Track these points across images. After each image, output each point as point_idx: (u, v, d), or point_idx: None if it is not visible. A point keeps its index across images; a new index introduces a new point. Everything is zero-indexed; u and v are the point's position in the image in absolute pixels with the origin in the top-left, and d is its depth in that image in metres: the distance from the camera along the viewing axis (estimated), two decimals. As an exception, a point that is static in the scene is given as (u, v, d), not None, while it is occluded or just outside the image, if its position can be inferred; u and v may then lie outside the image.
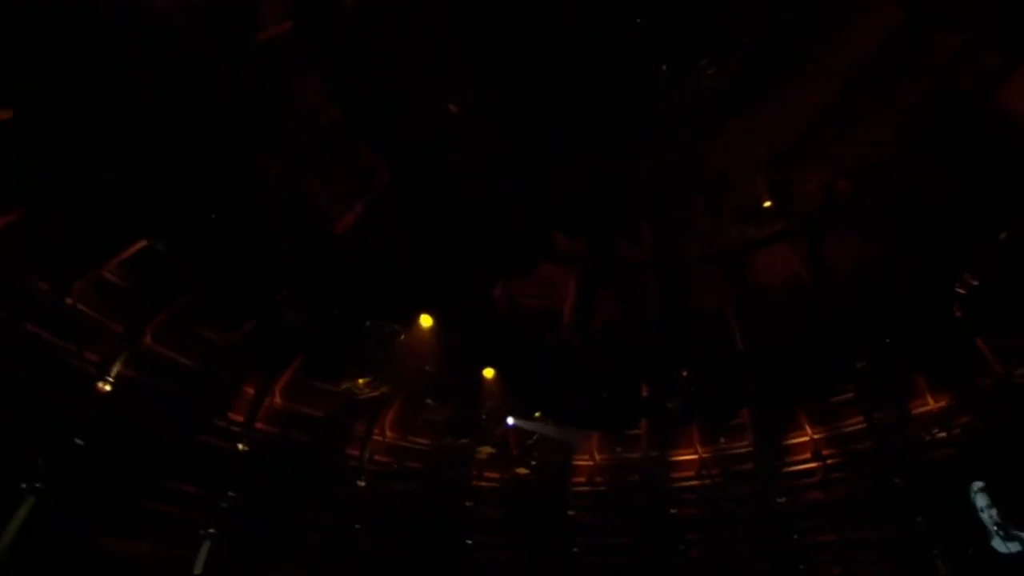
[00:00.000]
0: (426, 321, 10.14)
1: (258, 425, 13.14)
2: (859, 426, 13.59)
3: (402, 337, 10.17)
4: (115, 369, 10.20)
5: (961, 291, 11.16)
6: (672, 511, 13.30)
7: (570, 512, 13.39)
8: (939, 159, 10.60)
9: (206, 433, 11.89)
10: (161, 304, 11.30)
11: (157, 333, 11.29)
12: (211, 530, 9.78)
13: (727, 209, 13.36)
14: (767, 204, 12.23)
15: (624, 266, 14.71)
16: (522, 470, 12.58)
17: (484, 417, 11.27)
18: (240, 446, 10.51)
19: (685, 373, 13.98)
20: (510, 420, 11.53)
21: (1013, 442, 10.45)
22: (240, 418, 12.71)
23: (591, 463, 15.37)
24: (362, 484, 12.04)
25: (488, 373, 10.58)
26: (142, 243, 10.48)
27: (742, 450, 14.92)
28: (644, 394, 14.92)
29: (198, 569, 9.13)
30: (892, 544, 11.20)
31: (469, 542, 12.30)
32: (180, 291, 11.35)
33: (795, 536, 12.00)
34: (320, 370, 12.09)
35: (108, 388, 9.91)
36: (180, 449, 11.10)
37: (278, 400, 13.49)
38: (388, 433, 15.00)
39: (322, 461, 13.38)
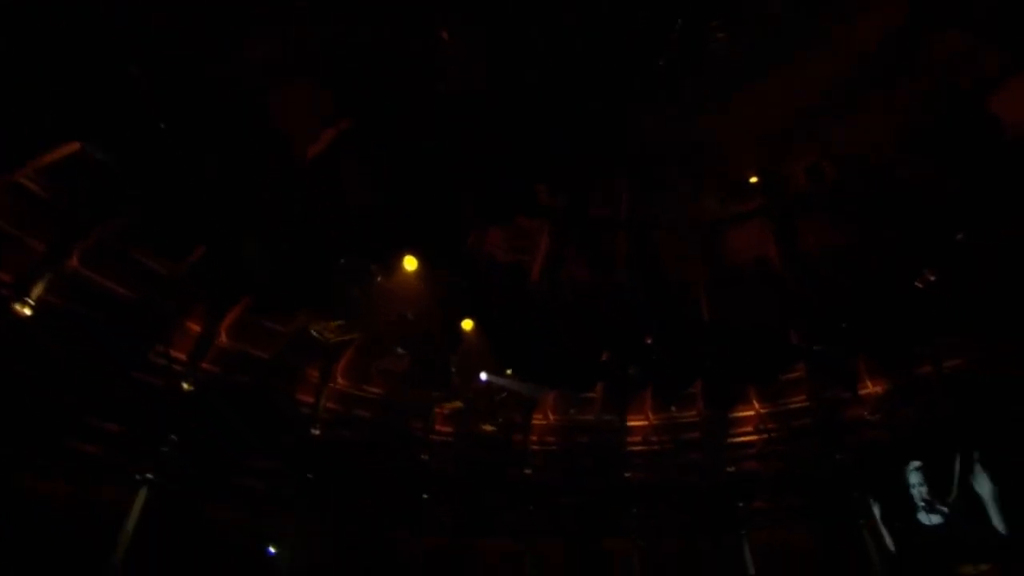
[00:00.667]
0: (410, 264, 9.50)
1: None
2: (802, 404, 14.54)
3: (379, 279, 9.49)
4: (36, 292, 8.92)
5: (919, 285, 11.79)
6: (626, 475, 13.65)
7: (527, 471, 13.46)
8: (928, 157, 10.92)
9: (142, 370, 10.87)
10: (93, 222, 9.93)
11: (87, 256, 9.96)
12: (148, 475, 8.97)
13: (712, 180, 13.31)
14: (753, 179, 12.23)
15: (598, 225, 14.51)
16: (488, 427, 12.45)
17: (454, 371, 10.93)
18: (184, 385, 9.59)
19: (649, 341, 14.19)
20: (483, 376, 11.28)
21: (942, 428, 11.40)
22: (182, 355, 11.75)
23: (544, 422, 15.55)
24: (316, 432, 11.45)
25: (467, 325, 10.17)
26: (73, 147, 9.06)
27: (691, 419, 15.58)
28: (604, 358, 15.10)
29: (134, 517, 8.39)
30: (824, 514, 12.05)
31: (425, 496, 12.12)
32: (117, 209, 10.02)
33: (740, 504, 12.68)
34: (276, 308, 11.19)
35: (27, 312, 8.66)
36: (111, 386, 10.07)
37: (223, 339, 12.54)
38: (340, 380, 14.46)
39: (268, 405, 12.66)
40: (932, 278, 11.55)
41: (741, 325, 14.18)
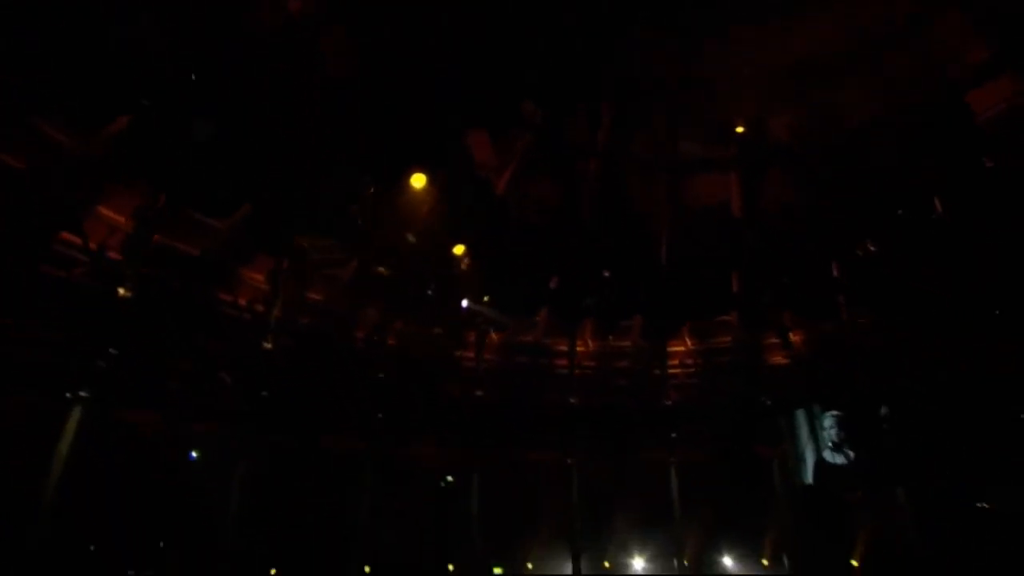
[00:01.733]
0: (418, 181, 8.63)
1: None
2: (726, 344, 15.99)
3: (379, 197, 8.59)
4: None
5: (859, 252, 12.94)
6: (572, 401, 14.48)
7: (478, 392, 13.79)
8: (898, 132, 11.53)
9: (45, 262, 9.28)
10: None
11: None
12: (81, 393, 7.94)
13: (695, 122, 13.22)
14: (740, 129, 12.30)
15: (573, 149, 14.11)
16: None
17: (430, 292, 10.55)
18: (121, 291, 8.30)
19: (607, 274, 14.54)
20: (464, 302, 11.02)
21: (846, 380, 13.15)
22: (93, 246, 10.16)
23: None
24: (268, 346, 10.70)
25: (458, 250, 9.64)
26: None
27: (626, 348, 16.60)
28: (553, 284, 15.37)
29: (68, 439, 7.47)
30: (739, 445, 13.77)
31: (380, 416, 12.11)
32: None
33: (669, 432, 14.09)
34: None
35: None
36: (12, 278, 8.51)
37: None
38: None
39: (198, 307, 11.56)
40: (872, 248, 12.69)
41: (691, 265, 14.91)
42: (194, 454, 12.81)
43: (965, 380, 10.52)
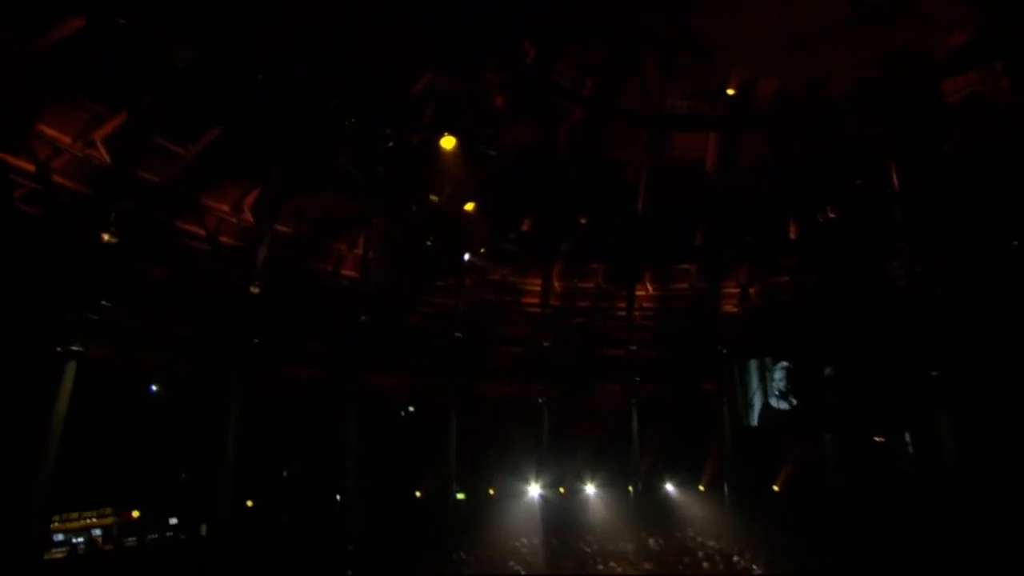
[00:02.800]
0: (448, 143, 8.24)
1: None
2: (685, 292, 17.14)
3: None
4: None
5: (819, 218, 14.00)
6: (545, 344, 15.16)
7: (458, 334, 14.09)
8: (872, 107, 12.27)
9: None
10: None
11: None
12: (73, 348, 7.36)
13: (685, 78, 13.26)
14: (730, 91, 12.52)
15: (558, 93, 13.80)
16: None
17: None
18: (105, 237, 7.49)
19: (583, 221, 14.84)
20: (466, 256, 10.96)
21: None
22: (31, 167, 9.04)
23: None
24: (255, 290, 10.23)
25: (469, 206, 9.42)
26: None
27: (590, 288, 17.36)
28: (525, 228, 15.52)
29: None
30: (693, 388, 15.24)
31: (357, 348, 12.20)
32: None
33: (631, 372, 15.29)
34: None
35: None
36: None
37: (101, 152, 9.78)
38: (247, 215, 12.67)
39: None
40: (832, 216, 13.77)
41: (662, 216, 15.51)
42: (154, 387, 12.59)
43: (895, 347, 12.16)
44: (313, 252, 14.33)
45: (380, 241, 11.75)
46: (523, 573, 10.76)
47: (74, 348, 6.99)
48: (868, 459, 12.68)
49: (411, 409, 17.28)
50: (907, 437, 12.30)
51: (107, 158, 9.81)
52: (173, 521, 12.36)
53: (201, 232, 12.35)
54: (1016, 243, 9.99)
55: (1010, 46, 10.48)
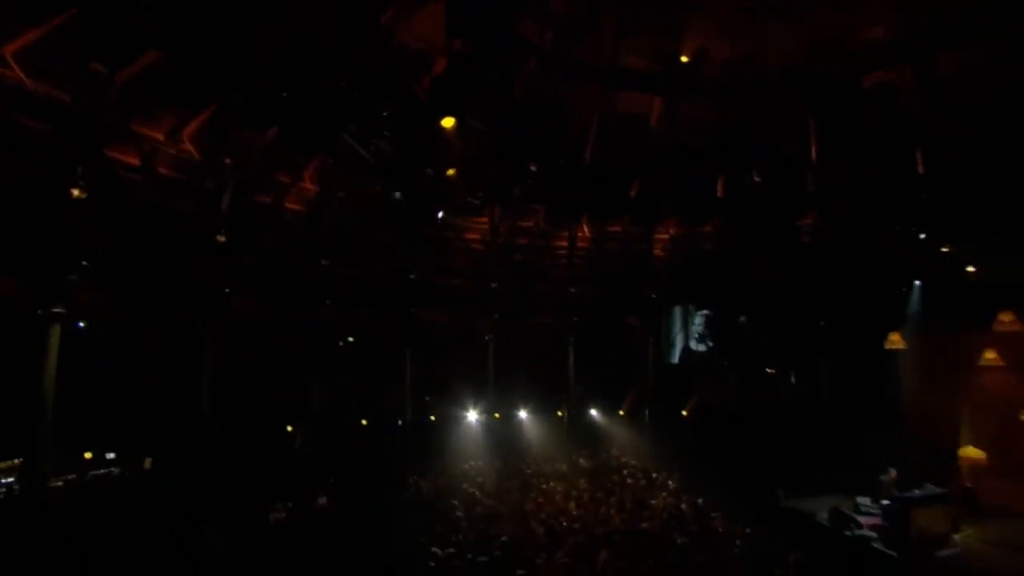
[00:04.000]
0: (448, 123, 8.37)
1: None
2: (618, 235, 18.60)
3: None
4: None
5: (745, 180, 15.68)
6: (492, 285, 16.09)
7: (411, 275, 14.58)
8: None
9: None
10: None
11: None
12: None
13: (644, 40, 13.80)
14: (684, 59, 13.32)
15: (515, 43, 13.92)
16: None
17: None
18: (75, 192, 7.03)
19: (534, 168, 15.45)
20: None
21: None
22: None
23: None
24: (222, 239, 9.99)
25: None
26: None
27: (528, 225, 18.31)
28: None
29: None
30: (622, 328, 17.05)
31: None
32: None
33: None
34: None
35: None
36: None
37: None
38: (187, 145, 11.99)
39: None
40: (756, 180, 15.47)
41: (605, 164, 16.49)
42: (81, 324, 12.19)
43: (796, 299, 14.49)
44: (255, 184, 14.00)
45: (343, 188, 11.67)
46: (478, 494, 12.19)
47: (56, 311, 6.77)
48: (762, 391, 15.36)
49: (351, 339, 17.90)
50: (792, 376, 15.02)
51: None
52: (111, 456, 12.47)
53: (134, 161, 11.66)
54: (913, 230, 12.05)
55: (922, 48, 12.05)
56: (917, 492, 10.54)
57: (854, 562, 9.06)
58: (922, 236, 11.95)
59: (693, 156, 16.55)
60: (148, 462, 12.50)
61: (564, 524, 10.36)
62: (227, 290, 12.17)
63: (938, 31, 11.99)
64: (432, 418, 16.97)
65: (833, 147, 14.52)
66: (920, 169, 11.96)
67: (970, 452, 12.43)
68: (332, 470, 13.05)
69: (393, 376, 15.64)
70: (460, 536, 9.58)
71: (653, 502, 11.44)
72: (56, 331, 6.84)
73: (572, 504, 11.46)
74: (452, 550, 8.95)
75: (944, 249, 11.89)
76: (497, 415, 17.41)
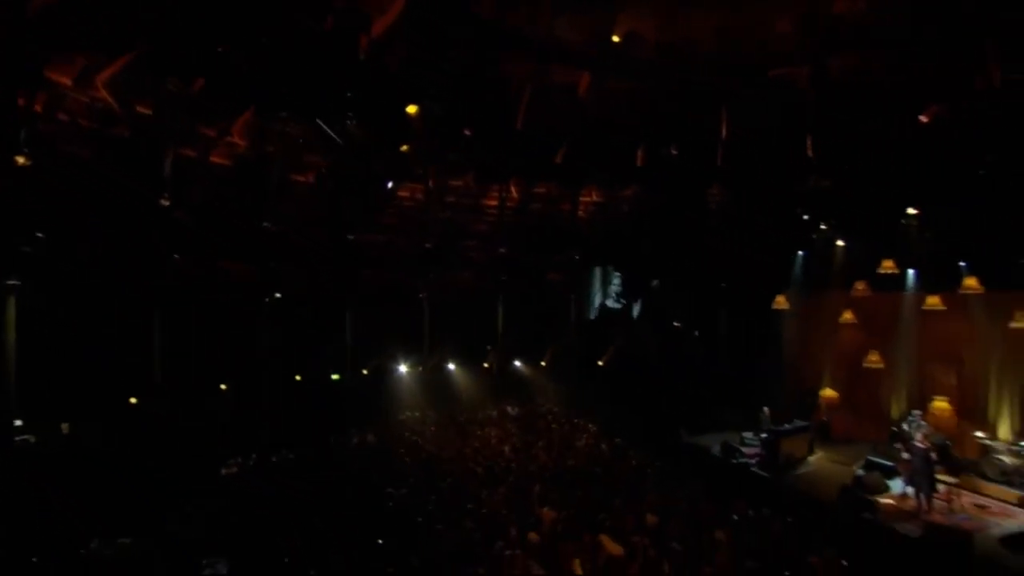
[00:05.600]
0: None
1: None
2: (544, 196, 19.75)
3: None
4: None
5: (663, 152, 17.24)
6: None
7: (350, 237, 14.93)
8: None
9: None
10: None
11: None
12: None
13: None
14: (616, 39, 14.29)
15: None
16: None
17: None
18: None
19: (468, 132, 16.03)
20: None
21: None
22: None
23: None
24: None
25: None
26: None
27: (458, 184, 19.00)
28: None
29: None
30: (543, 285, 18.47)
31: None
32: None
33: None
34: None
35: None
36: None
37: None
38: (102, 93, 11.46)
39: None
40: (674, 151, 17.09)
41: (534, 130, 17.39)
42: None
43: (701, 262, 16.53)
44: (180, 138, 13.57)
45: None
46: (420, 441, 13.37)
47: (11, 282, 6.71)
48: (670, 344, 17.59)
49: (277, 296, 18.02)
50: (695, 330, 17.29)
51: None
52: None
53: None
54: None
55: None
56: (787, 426, 13.11)
57: (738, 484, 11.29)
58: (805, 216, 14.19)
59: (616, 127, 17.95)
60: (65, 427, 12.39)
61: (501, 465, 11.85)
62: (166, 249, 12.00)
63: (830, 32, 13.90)
64: (365, 372, 17.72)
65: (740, 129, 16.40)
66: (809, 155, 13.93)
67: (828, 392, 15.40)
68: (274, 425, 13.65)
69: (328, 333, 16.15)
70: (411, 479, 10.77)
71: (578, 443, 13.21)
72: (12, 302, 6.79)
73: (506, 447, 12.97)
74: (405, 490, 10.15)
75: (822, 227, 14.28)
76: (426, 368, 18.51)
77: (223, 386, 15.15)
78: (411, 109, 9.82)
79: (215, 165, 15.02)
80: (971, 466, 11.43)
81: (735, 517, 8.74)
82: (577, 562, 7.39)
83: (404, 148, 11.51)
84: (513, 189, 20.50)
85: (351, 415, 15.11)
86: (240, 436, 13.12)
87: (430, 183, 18.46)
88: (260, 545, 8.21)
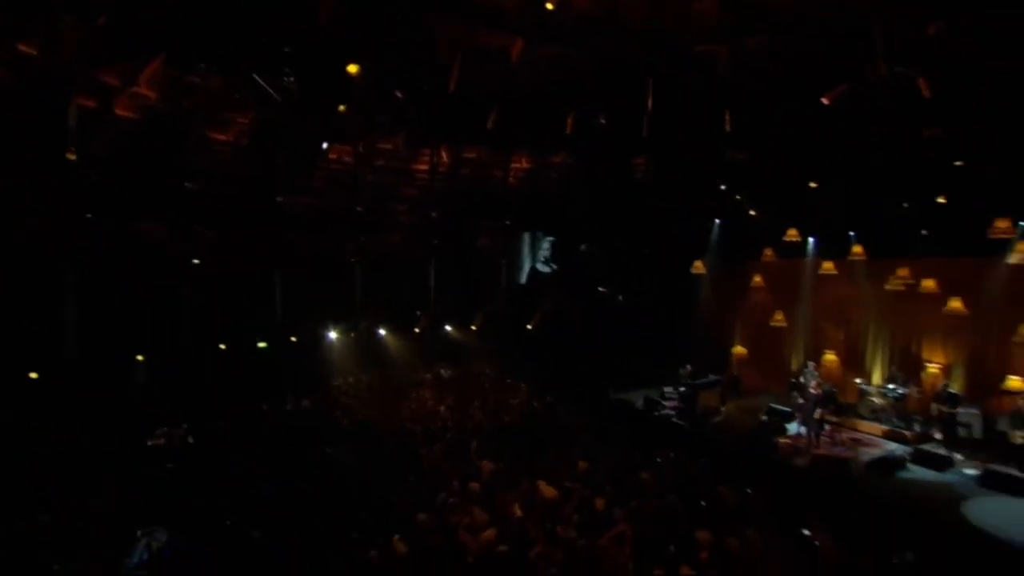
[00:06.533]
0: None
1: None
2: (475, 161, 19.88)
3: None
4: None
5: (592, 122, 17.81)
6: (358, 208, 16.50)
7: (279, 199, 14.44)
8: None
9: None
10: None
11: None
12: None
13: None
14: (549, 5, 14.52)
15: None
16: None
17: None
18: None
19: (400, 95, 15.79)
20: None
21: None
22: None
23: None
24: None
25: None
26: None
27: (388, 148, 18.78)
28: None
29: None
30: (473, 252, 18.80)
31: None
32: None
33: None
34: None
35: None
36: None
37: None
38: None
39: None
40: (602, 121, 17.70)
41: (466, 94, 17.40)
42: None
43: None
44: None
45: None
46: (356, 405, 13.51)
47: None
48: (596, 307, 18.57)
49: (196, 262, 17.25)
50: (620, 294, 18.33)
51: None
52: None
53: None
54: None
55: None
56: (703, 380, 14.40)
57: (660, 433, 12.41)
58: (722, 187, 15.31)
59: (547, 95, 18.27)
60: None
61: (438, 424, 12.31)
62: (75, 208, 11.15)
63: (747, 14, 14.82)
64: (294, 339, 17.45)
65: (665, 101, 17.22)
66: (727, 129, 14.96)
67: (738, 349, 16.97)
68: (202, 395, 13.31)
69: (256, 300, 15.73)
70: (350, 440, 10.99)
71: (512, 402, 13.87)
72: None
73: (442, 408, 13.41)
74: (345, 451, 10.38)
75: (737, 197, 15.48)
76: (358, 334, 18.48)
77: (140, 357, 14.52)
78: (352, 68, 9.64)
79: (122, 118, 14.06)
80: (850, 408, 13.31)
81: (658, 460, 9.73)
82: (516, 506, 8.02)
83: (342, 108, 11.26)
84: (444, 154, 20.57)
85: (284, 382, 14.94)
86: (165, 407, 12.70)
87: (360, 146, 18.24)
88: (200, 511, 8.21)
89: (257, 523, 7.66)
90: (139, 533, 7.48)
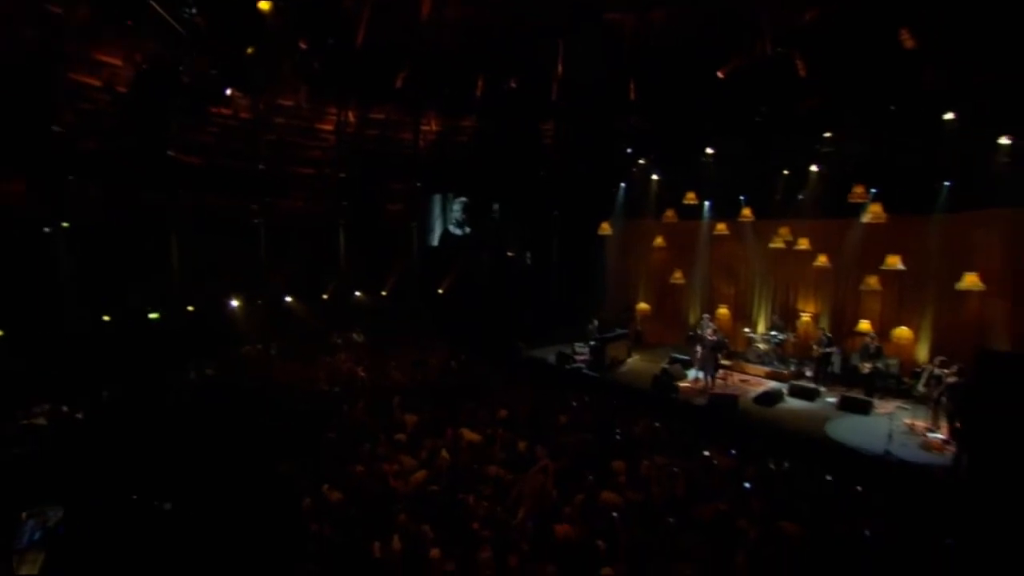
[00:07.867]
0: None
1: None
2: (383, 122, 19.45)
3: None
4: None
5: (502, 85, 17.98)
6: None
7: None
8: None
9: None
10: None
11: None
12: None
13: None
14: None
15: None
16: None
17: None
18: None
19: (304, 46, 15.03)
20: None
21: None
22: None
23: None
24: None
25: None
26: None
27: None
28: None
29: None
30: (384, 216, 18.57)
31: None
32: None
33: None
34: None
35: None
36: None
37: None
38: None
39: None
40: (513, 85, 17.92)
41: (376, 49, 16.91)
42: None
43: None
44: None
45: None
46: (265, 372, 13.12)
47: None
48: (506, 268, 19.06)
49: (65, 225, 15.66)
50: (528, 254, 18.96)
51: None
52: None
53: None
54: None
55: None
56: (610, 334, 15.43)
57: (572, 383, 13.25)
58: (628, 151, 16.21)
59: (457, 55, 18.15)
60: None
61: (357, 384, 12.32)
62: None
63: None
64: (190, 308, 16.43)
65: (574, 67, 17.72)
66: (631, 97, 15.72)
67: (642, 306, 18.26)
68: (86, 367, 12.27)
69: (147, 264, 14.56)
70: (261, 406, 10.72)
71: (430, 361, 14.10)
72: None
73: (360, 369, 13.39)
74: (257, 416, 10.15)
75: (640, 161, 16.47)
76: (263, 300, 17.70)
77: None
78: (264, 5, 9.10)
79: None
80: (740, 355, 14.95)
81: (573, 404, 10.48)
82: (444, 451, 8.39)
83: (249, 51, 10.60)
84: (350, 113, 19.85)
85: (184, 352, 14.09)
86: (44, 382, 11.60)
87: (260, 100, 17.15)
88: (100, 485, 7.81)
89: (168, 495, 7.46)
90: (24, 514, 7.04)
